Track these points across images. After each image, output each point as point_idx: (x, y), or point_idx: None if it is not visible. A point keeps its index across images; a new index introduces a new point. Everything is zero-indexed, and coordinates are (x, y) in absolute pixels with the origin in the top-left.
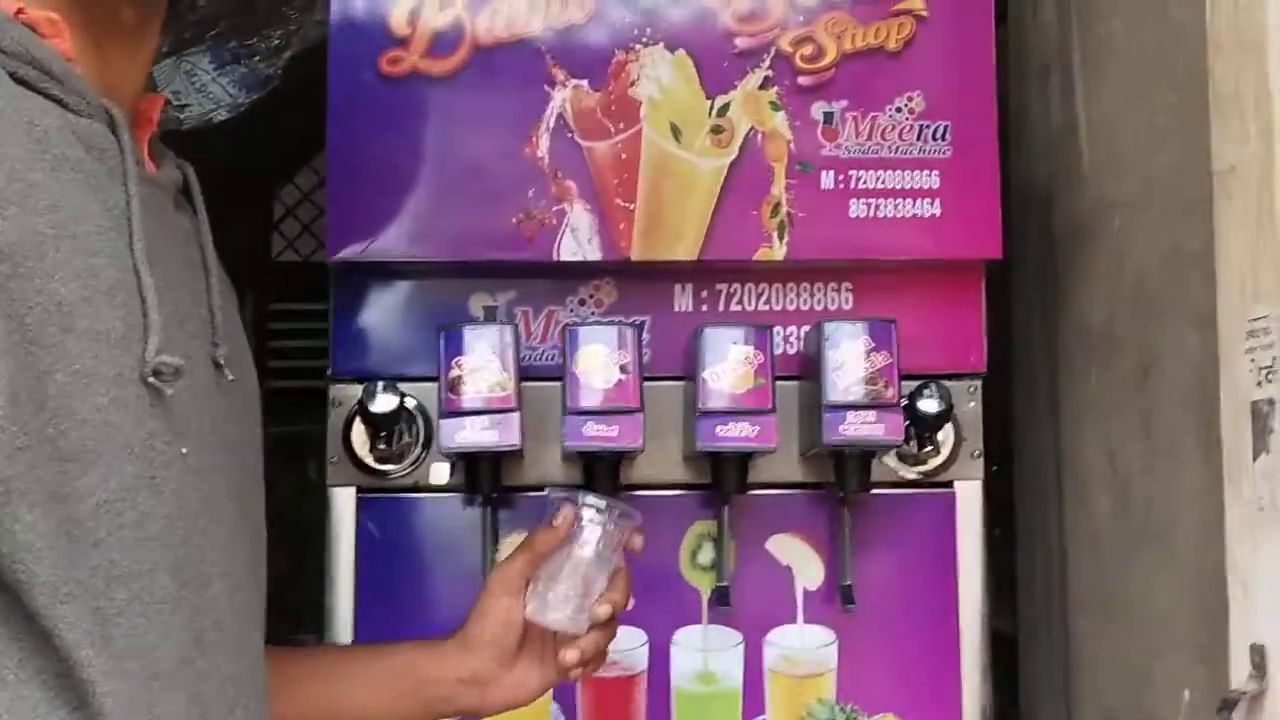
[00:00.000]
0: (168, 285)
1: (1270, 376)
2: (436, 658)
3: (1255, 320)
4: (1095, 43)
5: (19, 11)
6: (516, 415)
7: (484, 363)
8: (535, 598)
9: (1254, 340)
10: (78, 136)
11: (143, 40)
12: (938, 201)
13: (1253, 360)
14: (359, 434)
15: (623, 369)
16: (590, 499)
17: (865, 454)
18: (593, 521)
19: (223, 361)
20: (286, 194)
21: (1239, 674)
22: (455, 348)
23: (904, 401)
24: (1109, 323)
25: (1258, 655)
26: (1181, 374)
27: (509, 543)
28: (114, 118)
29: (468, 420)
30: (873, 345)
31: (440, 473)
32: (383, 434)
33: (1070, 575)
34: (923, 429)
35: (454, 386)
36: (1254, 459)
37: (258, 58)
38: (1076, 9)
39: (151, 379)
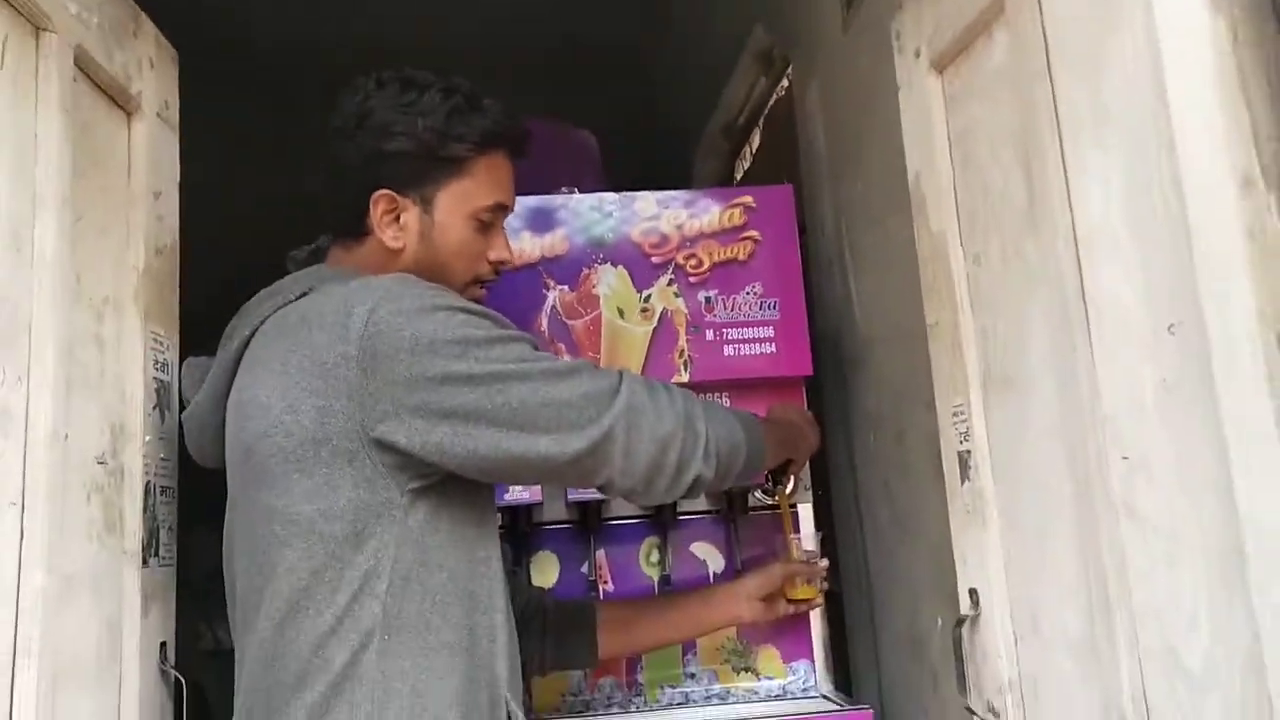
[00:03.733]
0: None
1: (966, 438)
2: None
3: (956, 406)
4: (857, 250)
5: None
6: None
7: None
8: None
9: (957, 418)
10: None
11: None
12: (773, 344)
13: (956, 429)
14: None
15: None
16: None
17: (744, 492)
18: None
19: None
20: None
21: (964, 606)
22: None
23: None
24: (878, 408)
25: (973, 595)
26: (921, 437)
27: (539, 556)
28: None
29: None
30: None
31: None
32: None
33: (869, 558)
34: (777, 475)
35: None
36: (961, 484)
37: None
38: (846, 229)
39: None
